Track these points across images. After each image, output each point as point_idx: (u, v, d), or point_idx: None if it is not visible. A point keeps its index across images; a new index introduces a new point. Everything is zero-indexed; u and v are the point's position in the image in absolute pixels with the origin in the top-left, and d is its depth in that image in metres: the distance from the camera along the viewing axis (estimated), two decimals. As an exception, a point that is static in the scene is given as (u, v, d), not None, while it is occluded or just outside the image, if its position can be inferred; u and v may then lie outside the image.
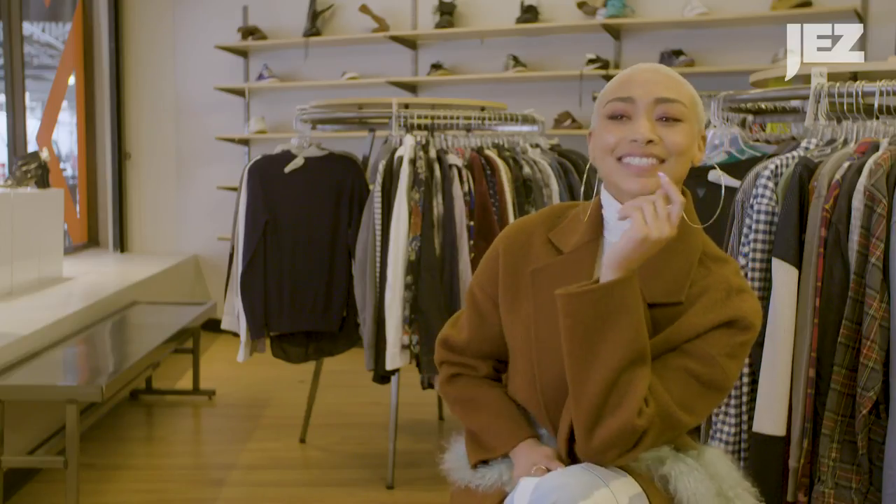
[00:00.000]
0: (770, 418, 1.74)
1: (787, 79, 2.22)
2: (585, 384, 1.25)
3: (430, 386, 3.00)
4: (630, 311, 1.24)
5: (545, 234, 1.44)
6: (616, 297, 1.24)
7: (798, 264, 1.74)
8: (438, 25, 5.01)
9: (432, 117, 3.15)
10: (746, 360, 1.77)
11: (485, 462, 1.43)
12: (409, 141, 3.02)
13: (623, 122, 1.33)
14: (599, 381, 1.23)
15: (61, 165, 5.75)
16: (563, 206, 1.50)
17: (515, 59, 4.93)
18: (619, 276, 1.24)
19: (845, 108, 1.87)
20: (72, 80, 5.65)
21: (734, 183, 2.05)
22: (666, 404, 1.26)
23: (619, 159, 1.33)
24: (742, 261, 1.82)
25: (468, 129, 3.35)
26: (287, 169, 3.23)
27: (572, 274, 1.37)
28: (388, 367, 2.91)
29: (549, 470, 1.30)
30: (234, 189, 3.46)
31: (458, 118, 3.16)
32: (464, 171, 3.02)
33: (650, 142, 1.30)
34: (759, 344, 1.73)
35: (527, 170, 3.19)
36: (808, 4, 4.32)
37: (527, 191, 3.17)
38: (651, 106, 1.32)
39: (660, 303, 1.32)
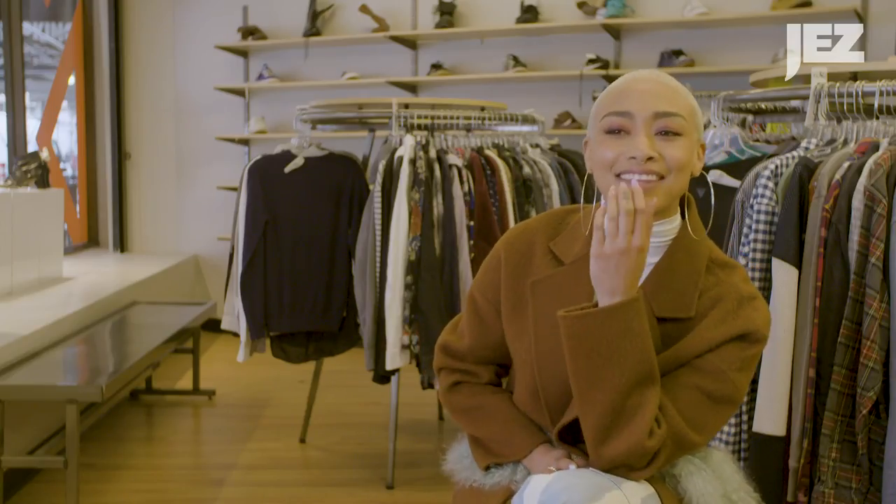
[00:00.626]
0: (770, 418, 1.74)
1: (787, 79, 2.22)
2: (592, 405, 1.23)
3: (430, 386, 3.00)
4: (635, 334, 1.21)
5: (546, 242, 1.41)
6: (621, 320, 1.21)
7: (798, 264, 1.74)
8: (438, 25, 5.01)
9: (432, 117, 3.14)
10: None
11: (498, 464, 1.41)
12: (409, 141, 3.02)
13: (621, 136, 1.29)
14: (605, 402, 1.22)
15: (61, 165, 5.75)
16: (564, 211, 1.47)
17: (515, 59, 4.92)
18: (623, 299, 1.21)
19: (845, 108, 1.87)
20: (72, 80, 5.65)
21: (734, 183, 2.06)
22: (678, 426, 1.25)
23: (618, 176, 1.29)
24: (742, 261, 1.82)
25: (468, 129, 3.35)
26: (287, 169, 3.23)
27: (573, 286, 1.35)
28: (388, 367, 2.91)
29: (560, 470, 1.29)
30: (234, 189, 3.46)
31: (458, 118, 3.15)
32: (464, 171, 3.02)
33: (650, 159, 1.27)
34: (760, 344, 1.73)
35: (527, 170, 3.19)
36: (808, 4, 4.32)
37: (527, 191, 3.17)
38: (650, 120, 1.28)
39: (669, 317, 1.30)
